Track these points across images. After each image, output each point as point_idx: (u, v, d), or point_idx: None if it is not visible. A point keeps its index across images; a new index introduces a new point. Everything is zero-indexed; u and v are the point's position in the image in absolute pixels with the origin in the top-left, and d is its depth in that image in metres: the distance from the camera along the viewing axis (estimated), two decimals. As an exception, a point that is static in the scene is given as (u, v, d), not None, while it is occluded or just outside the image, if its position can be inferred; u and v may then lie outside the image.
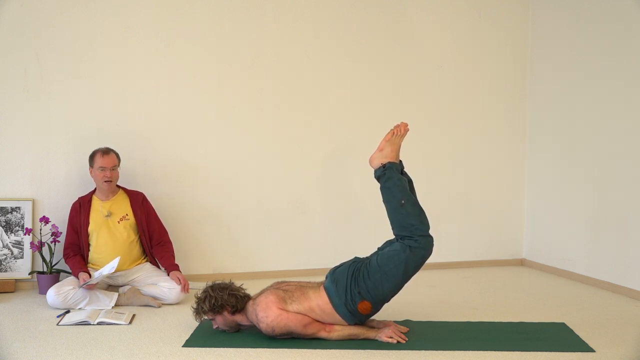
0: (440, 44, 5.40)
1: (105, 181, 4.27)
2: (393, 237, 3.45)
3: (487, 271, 5.34)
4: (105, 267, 4.05)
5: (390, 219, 3.42)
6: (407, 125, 3.54)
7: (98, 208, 4.32)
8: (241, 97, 4.98)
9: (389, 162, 3.47)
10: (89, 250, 4.29)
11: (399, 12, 5.29)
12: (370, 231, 5.17)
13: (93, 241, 4.28)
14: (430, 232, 3.41)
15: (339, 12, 5.15)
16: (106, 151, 4.31)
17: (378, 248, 3.49)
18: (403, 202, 3.36)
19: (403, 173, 3.52)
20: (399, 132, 3.51)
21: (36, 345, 3.29)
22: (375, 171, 3.52)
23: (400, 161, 3.54)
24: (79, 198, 4.39)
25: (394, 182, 3.41)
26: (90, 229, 4.27)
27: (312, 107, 5.13)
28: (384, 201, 3.45)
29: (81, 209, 4.31)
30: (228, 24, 4.91)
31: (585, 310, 4.06)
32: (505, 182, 5.60)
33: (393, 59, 5.29)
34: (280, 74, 5.04)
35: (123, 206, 4.36)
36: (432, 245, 3.37)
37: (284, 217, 5.10)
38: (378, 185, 3.55)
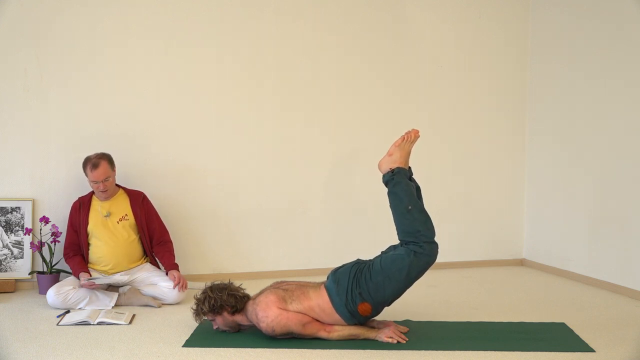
0: (440, 44, 5.40)
1: (100, 191, 4.26)
2: (397, 240, 3.44)
3: (487, 271, 5.34)
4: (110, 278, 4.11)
5: (396, 224, 3.42)
6: (418, 131, 3.53)
7: (97, 208, 4.31)
8: (241, 97, 4.97)
9: (398, 168, 3.46)
10: (88, 250, 4.29)
11: (399, 12, 5.29)
12: (371, 231, 5.18)
13: (92, 241, 4.28)
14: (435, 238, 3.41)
15: (339, 12, 5.15)
16: (95, 163, 4.18)
17: (382, 251, 3.49)
18: (410, 207, 3.36)
19: (411, 179, 3.52)
20: (410, 138, 3.51)
21: (36, 345, 3.29)
22: (384, 176, 3.51)
23: (410, 167, 3.54)
24: (79, 198, 4.39)
25: (402, 187, 3.40)
26: (89, 228, 4.27)
27: (312, 107, 5.13)
28: (390, 206, 3.44)
29: (81, 209, 4.31)
30: (228, 24, 4.91)
31: (585, 310, 4.06)
32: (505, 182, 5.60)
33: (393, 59, 5.29)
34: (280, 74, 5.04)
35: (123, 206, 4.36)
36: (437, 252, 3.37)
37: (284, 217, 5.10)
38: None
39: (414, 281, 3.35)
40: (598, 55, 4.75)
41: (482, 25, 5.47)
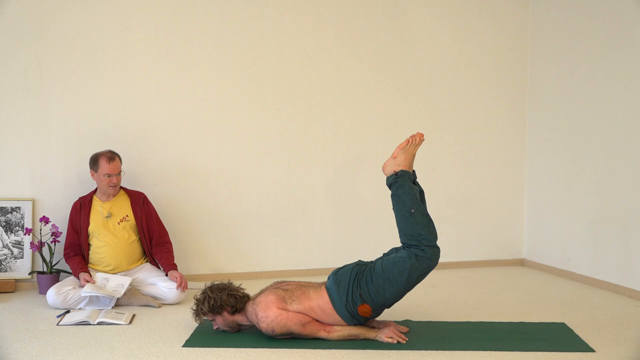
0: (440, 44, 5.40)
1: (111, 186, 4.28)
2: (397, 240, 3.44)
3: (487, 271, 5.34)
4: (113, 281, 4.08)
5: (398, 227, 3.42)
6: (422, 135, 3.53)
7: (98, 209, 4.31)
8: (241, 97, 4.97)
9: (402, 171, 3.46)
10: (89, 250, 4.29)
11: (399, 12, 5.29)
12: (371, 232, 5.18)
13: (93, 241, 4.28)
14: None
15: (339, 12, 5.15)
16: (111, 157, 4.26)
17: (383, 254, 3.49)
18: (413, 211, 3.36)
19: (415, 183, 3.52)
20: (414, 141, 3.51)
21: (36, 345, 3.29)
22: (387, 178, 3.51)
23: (414, 171, 3.54)
24: (79, 198, 4.39)
25: (405, 190, 3.40)
26: (90, 229, 4.27)
27: (312, 107, 5.13)
28: (393, 209, 3.45)
29: (81, 209, 4.31)
30: (228, 24, 4.91)
31: (585, 310, 4.05)
32: (505, 182, 5.60)
33: (393, 59, 5.29)
34: (280, 74, 5.04)
35: (123, 207, 4.36)
36: (439, 256, 3.37)
37: (284, 217, 5.10)
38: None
39: (415, 284, 3.34)
40: (598, 55, 4.75)
41: (482, 25, 5.47)
